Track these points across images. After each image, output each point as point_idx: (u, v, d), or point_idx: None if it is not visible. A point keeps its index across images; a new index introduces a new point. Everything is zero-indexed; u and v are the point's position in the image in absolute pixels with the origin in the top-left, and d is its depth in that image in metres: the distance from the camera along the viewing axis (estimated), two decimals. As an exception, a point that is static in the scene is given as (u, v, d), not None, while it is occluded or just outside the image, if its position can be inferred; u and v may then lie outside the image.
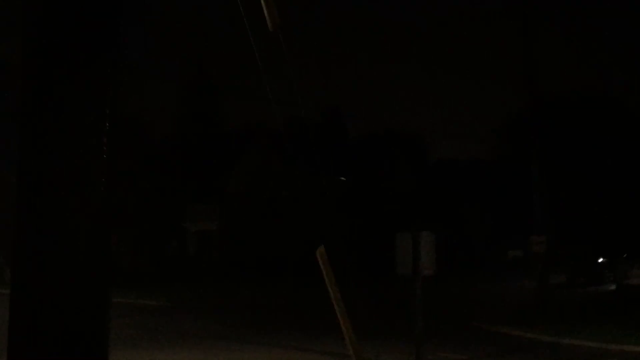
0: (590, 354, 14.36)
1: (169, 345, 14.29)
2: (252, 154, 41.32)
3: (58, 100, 1.73)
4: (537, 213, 20.38)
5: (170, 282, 30.89)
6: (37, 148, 1.73)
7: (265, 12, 2.87)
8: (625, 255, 37.03)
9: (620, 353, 14.20)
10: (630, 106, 53.72)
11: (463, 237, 48.33)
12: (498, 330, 17.48)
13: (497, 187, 50.64)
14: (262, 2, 2.98)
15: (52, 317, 1.61)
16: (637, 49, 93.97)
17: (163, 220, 39.21)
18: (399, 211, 41.01)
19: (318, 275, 3.60)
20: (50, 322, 1.61)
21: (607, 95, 53.18)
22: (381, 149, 48.93)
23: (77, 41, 1.75)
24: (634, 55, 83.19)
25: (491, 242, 51.57)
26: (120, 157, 1.82)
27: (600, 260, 38.19)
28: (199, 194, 39.28)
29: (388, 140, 50.46)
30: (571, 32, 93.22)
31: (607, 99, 52.38)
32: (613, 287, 32.72)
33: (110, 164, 1.74)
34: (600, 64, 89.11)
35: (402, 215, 38.34)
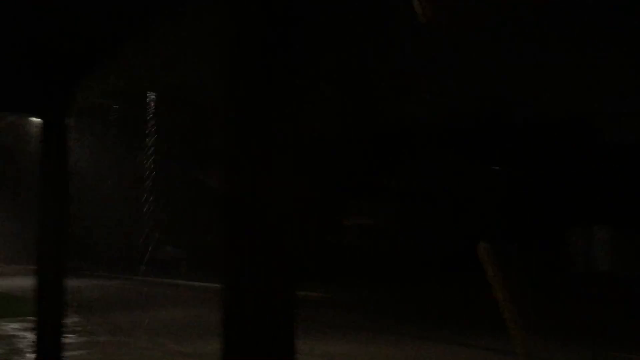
0: None
1: (331, 337, 14.56)
2: (414, 151, 40.72)
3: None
4: None
5: (331, 275, 31.49)
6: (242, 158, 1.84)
7: (417, 3, 2.81)
8: None
9: None
10: None
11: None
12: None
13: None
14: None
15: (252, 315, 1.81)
16: None
17: (324, 215, 40.06)
18: (569, 203, 38.56)
19: (482, 271, 3.49)
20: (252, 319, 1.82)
21: None
22: (547, 135, 45.89)
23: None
24: None
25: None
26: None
27: None
28: (359, 191, 39.61)
29: (554, 125, 47.19)
30: None
31: None
32: None
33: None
34: None
35: (575, 207, 36.07)
